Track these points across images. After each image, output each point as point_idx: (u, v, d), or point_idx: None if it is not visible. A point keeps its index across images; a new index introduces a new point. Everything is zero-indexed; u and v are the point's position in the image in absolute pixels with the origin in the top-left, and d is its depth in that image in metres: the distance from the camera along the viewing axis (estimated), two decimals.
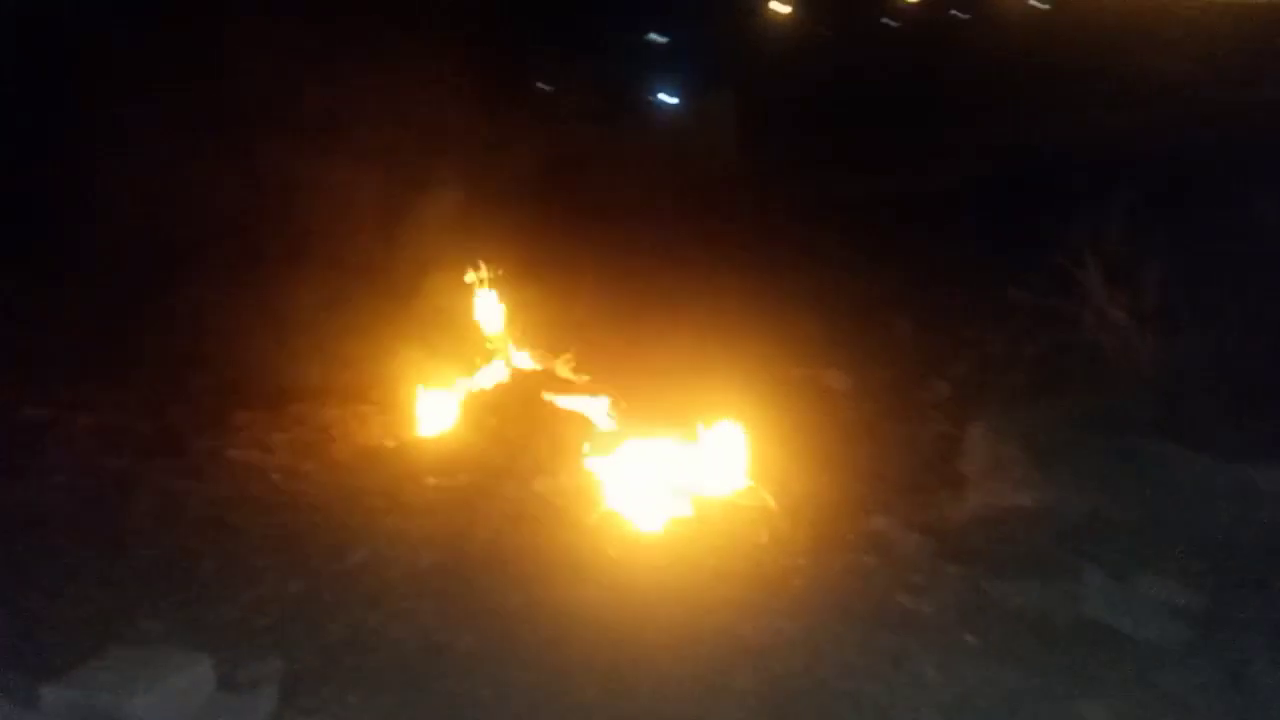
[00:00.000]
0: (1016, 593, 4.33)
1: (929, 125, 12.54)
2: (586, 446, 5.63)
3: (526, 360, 6.52)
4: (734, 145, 13.16)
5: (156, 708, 3.38)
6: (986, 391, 6.32)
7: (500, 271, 6.88)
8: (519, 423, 5.75)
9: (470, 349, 6.57)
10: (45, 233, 7.87)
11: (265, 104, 7.00)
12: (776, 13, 17.66)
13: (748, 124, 13.73)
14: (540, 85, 16.02)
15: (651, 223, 10.29)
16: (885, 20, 18.15)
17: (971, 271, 8.15)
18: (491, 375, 6.34)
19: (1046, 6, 20.45)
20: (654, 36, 16.71)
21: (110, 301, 7.43)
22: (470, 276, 6.75)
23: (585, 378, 6.35)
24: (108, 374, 6.70)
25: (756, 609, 4.29)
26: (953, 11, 19.64)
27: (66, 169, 7.58)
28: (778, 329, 7.60)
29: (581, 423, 5.80)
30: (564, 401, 5.97)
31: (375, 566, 4.61)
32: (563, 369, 6.45)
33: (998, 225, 8.78)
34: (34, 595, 4.23)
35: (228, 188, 6.53)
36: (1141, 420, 5.22)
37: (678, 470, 5.54)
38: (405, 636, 4.12)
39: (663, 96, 17.05)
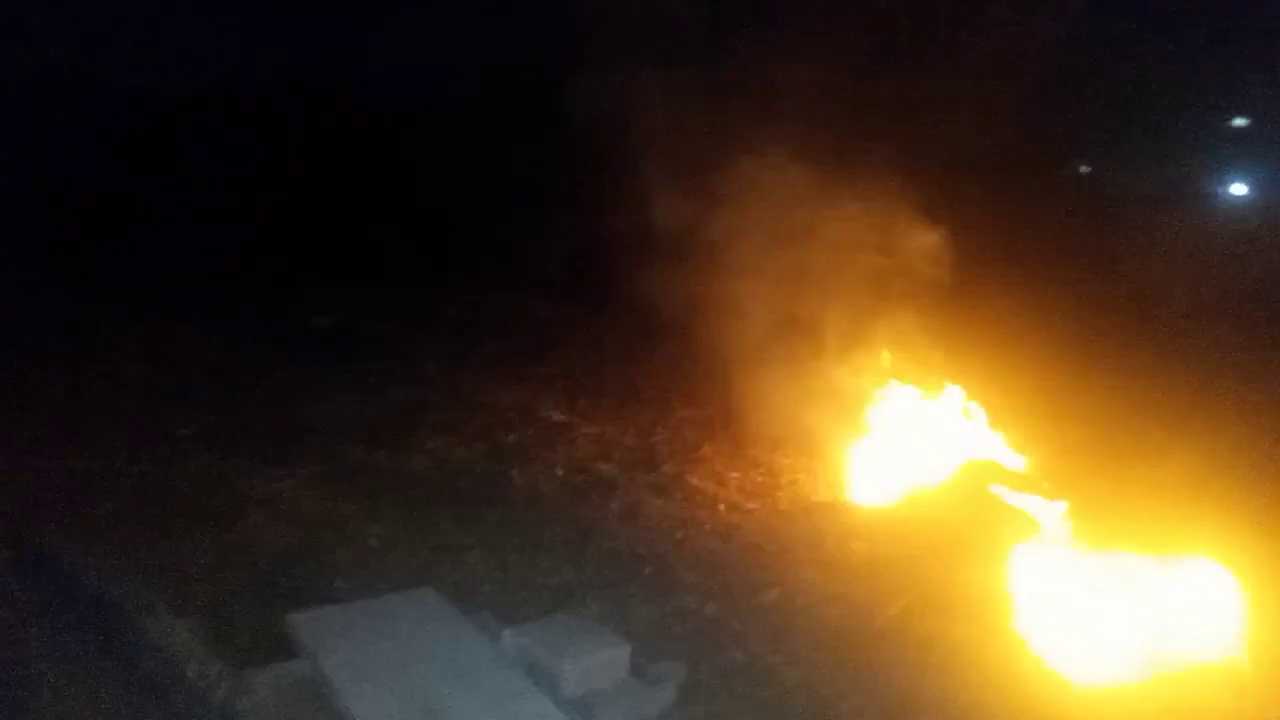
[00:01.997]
0: None
1: None
2: (1026, 548, 5.31)
3: (987, 450, 6.30)
4: None
5: (579, 673, 4.03)
6: None
7: (987, 360, 6.78)
8: (960, 509, 5.62)
9: (935, 429, 6.56)
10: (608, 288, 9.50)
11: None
12: None
13: None
14: (1082, 168, 15.14)
15: (1182, 327, 9.25)
16: None
17: None
18: (947, 457, 6.25)
19: None
20: (1232, 121, 14.80)
21: (630, 342, 8.90)
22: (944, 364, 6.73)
23: (1044, 479, 5.95)
24: (618, 397, 8.00)
25: None
26: None
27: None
28: None
29: (1026, 522, 5.48)
30: (1013, 498, 5.69)
31: (784, 609, 4.89)
32: (1023, 465, 6.13)
33: None
34: (515, 556, 5.26)
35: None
36: None
37: (1129, 599, 4.96)
38: (795, 681, 4.34)
39: (1232, 187, 15.02)
